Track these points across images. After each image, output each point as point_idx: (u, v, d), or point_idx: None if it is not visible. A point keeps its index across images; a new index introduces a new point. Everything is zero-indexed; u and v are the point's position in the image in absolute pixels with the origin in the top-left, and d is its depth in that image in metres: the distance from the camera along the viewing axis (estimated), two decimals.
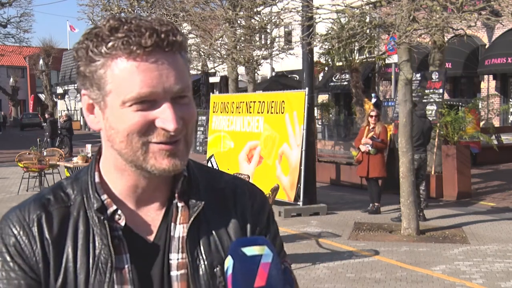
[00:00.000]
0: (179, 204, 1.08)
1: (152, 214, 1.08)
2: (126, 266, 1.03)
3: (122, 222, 1.04)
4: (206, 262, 1.05)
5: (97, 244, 1.02)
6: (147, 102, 0.97)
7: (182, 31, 1.03)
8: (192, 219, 1.07)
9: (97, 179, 1.07)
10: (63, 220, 1.04)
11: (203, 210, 1.08)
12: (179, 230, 1.07)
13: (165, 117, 0.97)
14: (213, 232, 1.08)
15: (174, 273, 1.05)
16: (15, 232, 1.02)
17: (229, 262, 0.98)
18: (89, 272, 1.01)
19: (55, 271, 1.01)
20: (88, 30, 1.01)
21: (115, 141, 1.01)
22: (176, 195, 1.09)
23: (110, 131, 1.01)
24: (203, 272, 1.05)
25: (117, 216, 1.05)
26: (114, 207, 1.05)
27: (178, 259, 1.06)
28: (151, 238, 1.07)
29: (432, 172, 10.96)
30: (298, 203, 9.25)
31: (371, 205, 9.56)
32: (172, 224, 1.07)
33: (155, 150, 0.99)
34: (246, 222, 1.12)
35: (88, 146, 12.01)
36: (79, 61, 1.01)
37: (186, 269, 1.05)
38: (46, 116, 22.67)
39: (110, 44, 0.97)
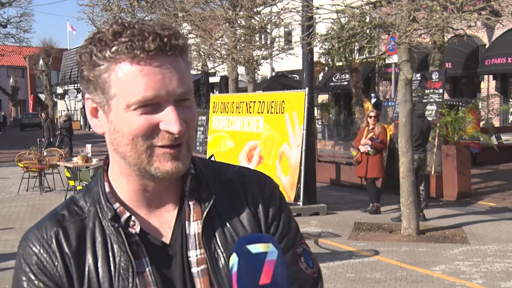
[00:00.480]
0: (190, 202, 1.10)
1: (166, 216, 1.10)
2: (147, 269, 1.05)
3: (137, 228, 1.06)
4: (224, 255, 1.07)
5: (116, 252, 1.04)
6: (150, 105, 0.99)
7: (183, 33, 1.04)
8: (204, 214, 1.08)
9: (107, 189, 1.09)
10: (80, 233, 1.06)
11: (214, 204, 1.10)
12: (194, 227, 1.09)
13: (169, 119, 0.99)
14: (227, 224, 1.10)
15: (194, 269, 1.07)
16: (36, 250, 1.05)
17: (234, 259, 0.98)
18: (112, 280, 1.03)
19: (79, 283, 1.04)
20: (92, 35, 1.02)
21: (120, 144, 1.02)
22: (186, 193, 1.10)
23: (114, 134, 1.02)
24: (223, 264, 1.07)
25: (131, 223, 1.06)
26: (127, 214, 1.07)
27: (197, 255, 1.07)
28: (168, 239, 1.08)
29: (432, 172, 10.96)
30: (298, 203, 9.25)
31: (371, 205, 9.56)
32: (186, 222, 1.09)
33: (159, 154, 1.01)
34: (258, 210, 1.13)
35: (88, 146, 12.01)
36: (82, 66, 1.02)
37: (206, 264, 1.07)
38: (43, 116, 22.47)
39: (113, 49, 0.98)
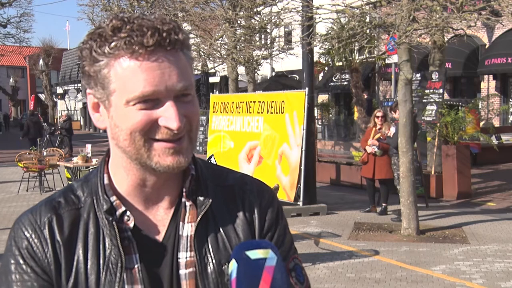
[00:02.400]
0: (187, 203, 1.09)
1: (161, 214, 1.09)
2: (136, 266, 1.05)
3: (131, 223, 1.06)
4: (214, 260, 1.07)
5: (107, 245, 1.04)
6: (150, 101, 0.98)
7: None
8: (199, 217, 1.08)
9: (106, 181, 1.09)
10: (73, 222, 1.06)
11: (210, 208, 1.09)
12: (187, 229, 1.08)
13: (168, 115, 0.98)
14: (221, 229, 1.09)
15: (182, 271, 1.07)
16: (27, 235, 1.04)
17: (233, 265, 0.98)
18: (99, 273, 1.03)
19: (66, 272, 1.03)
20: (92, 30, 1.02)
21: (119, 139, 1.02)
22: (184, 194, 1.10)
23: (114, 129, 1.02)
24: (211, 270, 1.06)
25: (126, 217, 1.06)
26: (123, 208, 1.06)
27: (186, 257, 1.07)
28: (160, 237, 1.08)
29: (432, 172, 10.96)
30: (298, 203, 9.25)
31: (370, 206, 9.54)
32: (181, 223, 1.09)
33: (159, 148, 1.01)
34: (254, 219, 1.12)
35: (88, 146, 12.00)
36: (83, 61, 1.02)
37: (194, 267, 1.06)
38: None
39: (113, 44, 0.98)
